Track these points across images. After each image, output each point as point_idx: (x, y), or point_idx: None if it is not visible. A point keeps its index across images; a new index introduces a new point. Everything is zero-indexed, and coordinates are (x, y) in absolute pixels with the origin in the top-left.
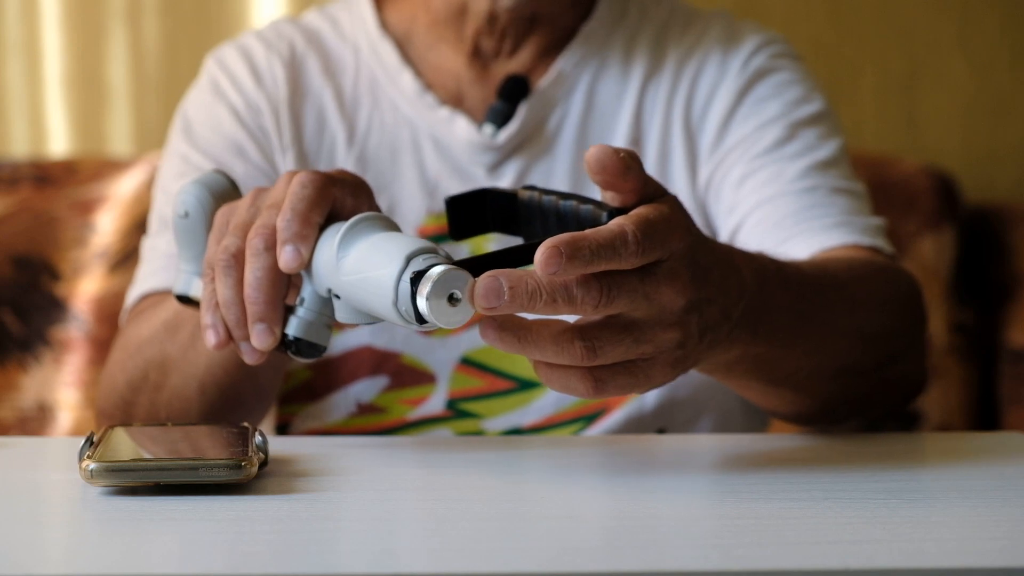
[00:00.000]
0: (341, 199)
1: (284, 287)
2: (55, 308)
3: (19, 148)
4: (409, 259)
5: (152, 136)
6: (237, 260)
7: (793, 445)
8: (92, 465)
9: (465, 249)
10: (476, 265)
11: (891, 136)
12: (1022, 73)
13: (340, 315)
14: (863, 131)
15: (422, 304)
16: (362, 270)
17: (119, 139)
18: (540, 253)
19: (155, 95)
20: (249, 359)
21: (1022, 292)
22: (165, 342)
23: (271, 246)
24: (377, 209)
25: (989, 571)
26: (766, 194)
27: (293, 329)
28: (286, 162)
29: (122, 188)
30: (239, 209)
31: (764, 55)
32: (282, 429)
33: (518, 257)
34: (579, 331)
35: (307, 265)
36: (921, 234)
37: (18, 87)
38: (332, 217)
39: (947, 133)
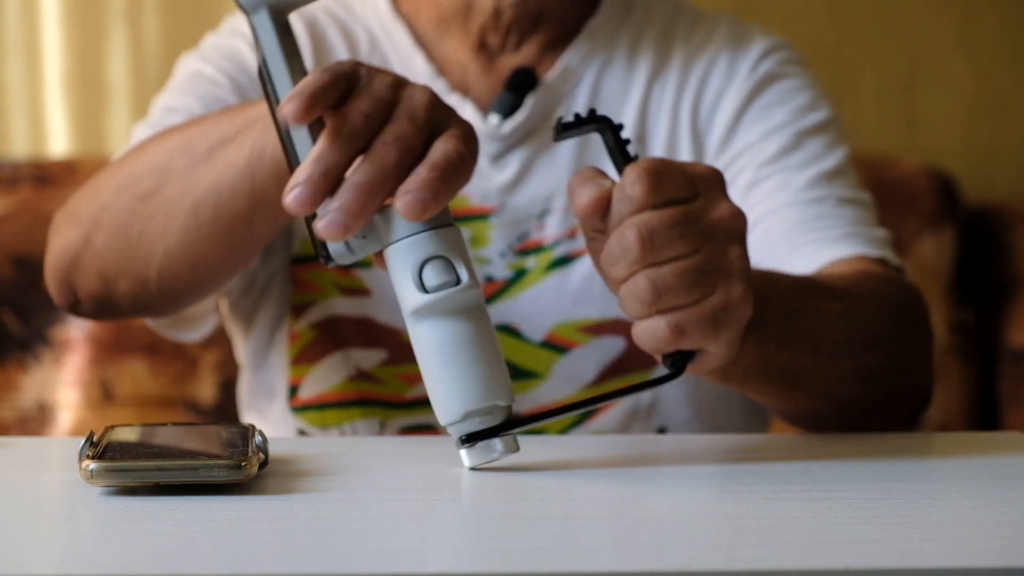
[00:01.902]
0: None
1: (381, 202)
2: (55, 308)
3: (19, 148)
4: (467, 415)
5: None
6: (360, 138)
7: (793, 445)
8: (92, 465)
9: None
10: (527, 423)
11: (891, 136)
12: (1022, 73)
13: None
14: (863, 131)
15: (463, 455)
16: (429, 361)
17: (119, 139)
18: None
19: (155, 95)
20: (298, 211)
21: (1022, 292)
22: (175, 151)
23: (403, 165)
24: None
25: (989, 571)
26: (773, 204)
27: (336, 251)
28: None
29: None
30: (374, 77)
31: (773, 60)
32: (293, 391)
33: (572, 408)
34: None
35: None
36: (921, 234)
37: (18, 87)
38: None
39: (947, 133)
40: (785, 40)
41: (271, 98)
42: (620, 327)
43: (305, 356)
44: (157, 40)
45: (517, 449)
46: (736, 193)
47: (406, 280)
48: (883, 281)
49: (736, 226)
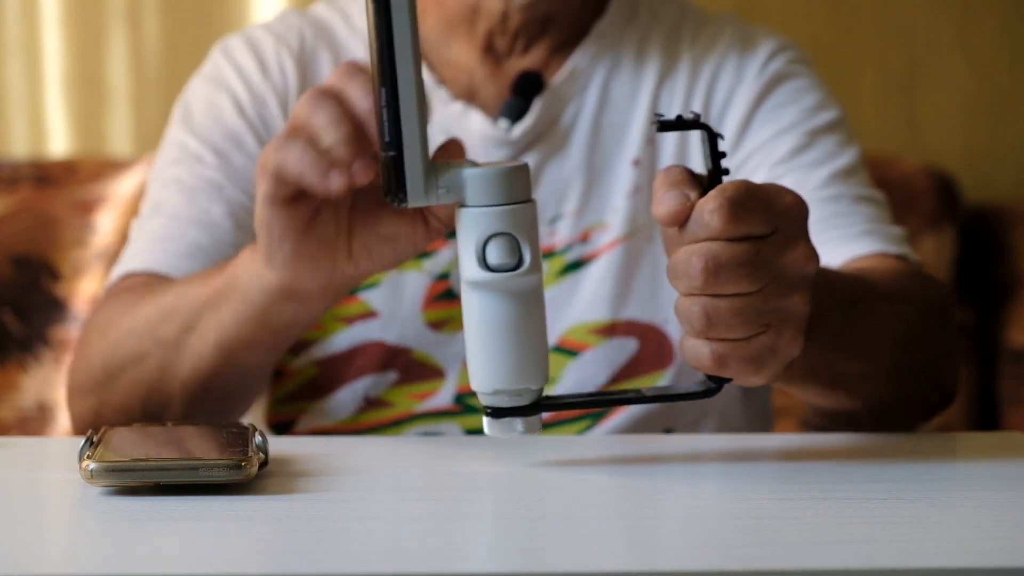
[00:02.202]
0: None
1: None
2: (55, 308)
3: (19, 148)
4: (497, 392)
5: (152, 136)
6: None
7: (793, 445)
8: (92, 465)
9: None
10: (552, 408)
11: (891, 136)
12: (1022, 73)
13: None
14: (863, 131)
15: (485, 423)
16: (474, 330)
17: (119, 139)
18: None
19: (155, 95)
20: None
21: (1022, 292)
22: (145, 338)
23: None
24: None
25: (989, 571)
26: None
27: (413, 193)
28: None
29: (122, 188)
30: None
31: (781, 60)
32: (283, 428)
33: (601, 402)
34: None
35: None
36: (921, 234)
37: (18, 87)
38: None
39: (947, 133)
40: (790, 40)
41: (384, 65)
42: (633, 328)
43: (302, 393)
44: (157, 40)
45: (539, 430)
46: None
47: (469, 249)
48: (916, 279)
49: (806, 270)
